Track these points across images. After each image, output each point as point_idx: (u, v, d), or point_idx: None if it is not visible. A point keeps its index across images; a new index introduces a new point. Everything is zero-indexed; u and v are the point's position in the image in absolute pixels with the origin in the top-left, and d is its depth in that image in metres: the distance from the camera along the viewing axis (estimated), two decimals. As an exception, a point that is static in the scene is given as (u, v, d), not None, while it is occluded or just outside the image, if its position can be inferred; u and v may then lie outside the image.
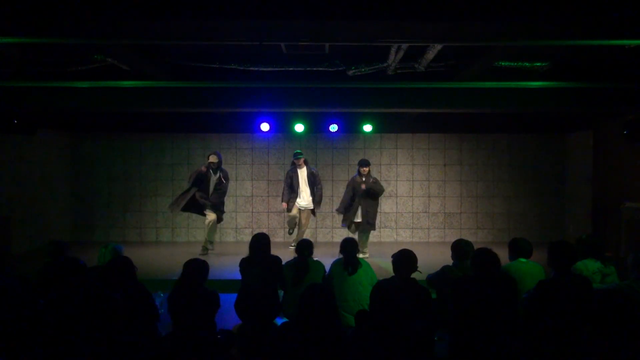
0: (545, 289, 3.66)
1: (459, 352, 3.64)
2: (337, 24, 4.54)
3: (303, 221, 8.43)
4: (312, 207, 8.44)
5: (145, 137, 10.14)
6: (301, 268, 5.02)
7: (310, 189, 8.40)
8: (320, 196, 8.45)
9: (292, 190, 8.42)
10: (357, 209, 7.96)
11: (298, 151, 8.57)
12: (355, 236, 7.88)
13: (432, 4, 4.38)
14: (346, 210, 8.06)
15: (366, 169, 7.98)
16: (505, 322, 3.61)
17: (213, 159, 8.19)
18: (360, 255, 7.66)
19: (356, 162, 9.94)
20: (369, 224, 7.92)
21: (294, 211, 8.41)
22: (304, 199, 8.39)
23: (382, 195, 8.30)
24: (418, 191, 10.20)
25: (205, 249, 8.25)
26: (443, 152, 10.22)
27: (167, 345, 3.31)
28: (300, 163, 8.41)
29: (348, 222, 8.08)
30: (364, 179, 7.94)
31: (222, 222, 8.66)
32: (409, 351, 3.43)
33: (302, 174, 8.41)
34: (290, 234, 8.68)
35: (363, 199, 7.91)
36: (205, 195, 8.18)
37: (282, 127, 9.63)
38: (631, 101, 7.10)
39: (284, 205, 8.49)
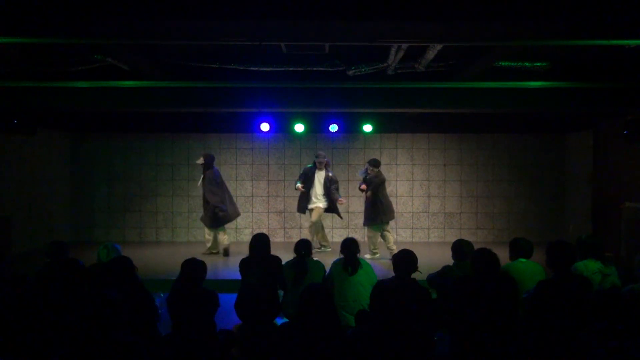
0: (545, 289, 3.66)
1: (459, 352, 3.63)
2: (337, 24, 4.54)
3: (313, 218, 8.31)
4: (321, 205, 8.30)
5: (145, 137, 10.14)
6: (300, 268, 5.02)
7: (325, 192, 8.25)
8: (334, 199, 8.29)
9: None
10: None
11: (322, 152, 8.52)
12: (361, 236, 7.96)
13: (432, 4, 4.38)
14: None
15: (372, 169, 7.97)
16: (505, 322, 3.60)
17: (199, 160, 8.37)
18: (368, 256, 7.75)
19: (356, 162, 10.05)
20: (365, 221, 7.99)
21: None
22: (314, 199, 8.31)
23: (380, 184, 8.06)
24: (418, 191, 10.20)
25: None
26: (443, 152, 10.22)
27: (167, 345, 3.31)
28: (321, 166, 8.30)
29: None
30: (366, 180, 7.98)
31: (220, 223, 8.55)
32: (409, 351, 3.43)
33: (320, 177, 8.30)
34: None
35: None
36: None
37: (282, 127, 9.63)
38: (631, 101, 7.10)
39: (299, 186, 8.32)
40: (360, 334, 3.29)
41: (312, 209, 8.36)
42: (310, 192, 8.32)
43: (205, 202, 8.26)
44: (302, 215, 9.15)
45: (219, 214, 8.14)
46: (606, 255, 4.49)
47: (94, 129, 10.06)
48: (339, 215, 8.60)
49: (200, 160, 8.31)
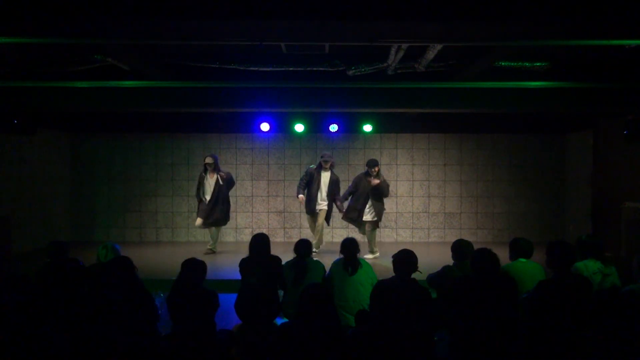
0: (545, 289, 3.66)
1: (459, 352, 3.63)
2: (337, 24, 4.55)
3: (319, 220, 8.21)
4: (326, 208, 8.19)
5: (145, 137, 10.14)
6: (300, 268, 5.02)
7: (328, 193, 8.13)
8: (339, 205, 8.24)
9: (308, 190, 8.21)
10: (363, 208, 7.91)
11: (327, 153, 8.40)
12: (361, 236, 7.94)
13: (431, 4, 4.38)
14: (349, 209, 8.02)
15: (376, 169, 7.89)
16: (505, 322, 3.60)
17: (208, 160, 8.30)
18: (370, 256, 7.74)
19: (356, 162, 10.03)
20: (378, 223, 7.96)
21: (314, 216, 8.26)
22: (321, 201, 8.17)
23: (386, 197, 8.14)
24: (418, 191, 10.20)
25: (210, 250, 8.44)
26: (443, 152, 10.22)
27: (167, 345, 3.31)
28: (327, 166, 8.16)
29: (356, 224, 8.08)
30: (373, 178, 7.86)
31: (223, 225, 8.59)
32: (409, 351, 3.43)
33: (325, 177, 8.17)
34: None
35: (373, 199, 7.88)
36: (205, 200, 8.31)
37: (282, 127, 9.63)
38: (631, 101, 7.10)
39: (301, 197, 8.21)
40: (360, 334, 3.30)
41: (319, 211, 8.18)
42: (317, 193, 8.14)
43: (222, 201, 8.22)
44: (303, 215, 9.02)
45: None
46: (606, 255, 4.49)
47: (94, 129, 10.06)
48: (327, 222, 8.43)
49: (210, 160, 8.27)
